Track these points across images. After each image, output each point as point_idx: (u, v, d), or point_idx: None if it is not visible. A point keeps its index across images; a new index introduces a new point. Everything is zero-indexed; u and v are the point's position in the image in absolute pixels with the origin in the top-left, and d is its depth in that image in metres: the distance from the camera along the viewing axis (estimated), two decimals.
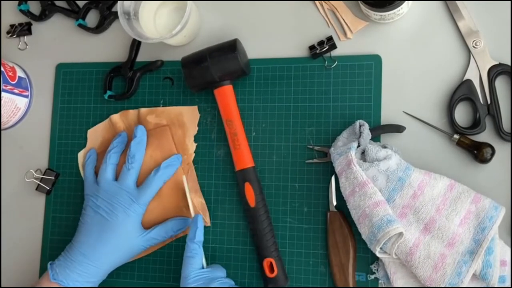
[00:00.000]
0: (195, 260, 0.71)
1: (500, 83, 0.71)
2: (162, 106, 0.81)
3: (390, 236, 0.64)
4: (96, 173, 0.79)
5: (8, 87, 0.82)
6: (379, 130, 0.72)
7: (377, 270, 0.70)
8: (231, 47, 0.74)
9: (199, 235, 0.72)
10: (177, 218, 0.76)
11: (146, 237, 0.74)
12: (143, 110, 0.81)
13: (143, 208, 0.75)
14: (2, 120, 0.84)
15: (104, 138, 0.82)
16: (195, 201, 0.77)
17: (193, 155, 0.79)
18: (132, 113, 0.82)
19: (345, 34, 0.76)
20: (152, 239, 0.75)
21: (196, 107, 0.80)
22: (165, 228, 0.75)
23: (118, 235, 0.73)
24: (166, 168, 0.76)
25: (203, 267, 0.72)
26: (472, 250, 0.65)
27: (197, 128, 0.80)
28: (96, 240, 0.73)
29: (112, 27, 0.86)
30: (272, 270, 0.73)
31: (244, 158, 0.75)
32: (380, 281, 0.70)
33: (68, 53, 0.87)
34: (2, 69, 0.81)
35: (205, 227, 0.76)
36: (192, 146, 0.79)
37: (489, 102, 0.70)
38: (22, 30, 0.89)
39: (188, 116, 0.80)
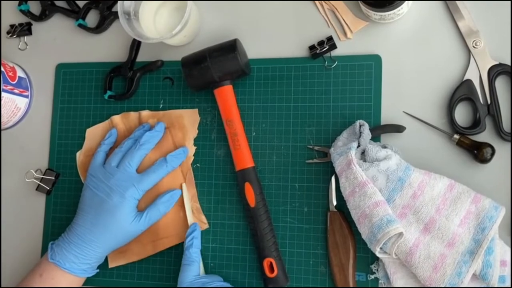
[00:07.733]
0: (192, 268, 0.73)
1: (500, 83, 0.71)
2: (162, 106, 0.81)
3: (390, 236, 0.64)
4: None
5: (8, 87, 0.82)
6: (379, 130, 0.72)
7: (377, 270, 0.70)
8: (231, 47, 0.74)
9: (196, 244, 0.74)
10: (166, 193, 0.76)
11: (140, 221, 0.74)
12: (144, 113, 0.81)
13: (140, 193, 0.74)
14: (2, 120, 0.84)
15: (103, 138, 0.82)
16: (191, 206, 0.77)
17: (192, 158, 0.79)
18: (133, 115, 0.82)
19: (345, 34, 0.76)
20: (146, 221, 0.74)
21: (196, 110, 0.80)
22: (157, 207, 0.75)
23: (113, 219, 0.73)
24: (172, 160, 0.76)
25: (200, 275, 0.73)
26: (472, 250, 0.65)
27: (197, 131, 0.79)
28: (92, 223, 0.73)
29: (112, 27, 0.86)
30: (272, 270, 0.73)
31: (244, 158, 0.75)
32: (380, 281, 0.70)
33: (68, 53, 0.87)
34: (2, 69, 0.81)
35: (202, 230, 0.77)
36: (191, 149, 0.79)
37: (489, 102, 0.70)
38: (22, 30, 0.89)
39: (189, 119, 0.80)
